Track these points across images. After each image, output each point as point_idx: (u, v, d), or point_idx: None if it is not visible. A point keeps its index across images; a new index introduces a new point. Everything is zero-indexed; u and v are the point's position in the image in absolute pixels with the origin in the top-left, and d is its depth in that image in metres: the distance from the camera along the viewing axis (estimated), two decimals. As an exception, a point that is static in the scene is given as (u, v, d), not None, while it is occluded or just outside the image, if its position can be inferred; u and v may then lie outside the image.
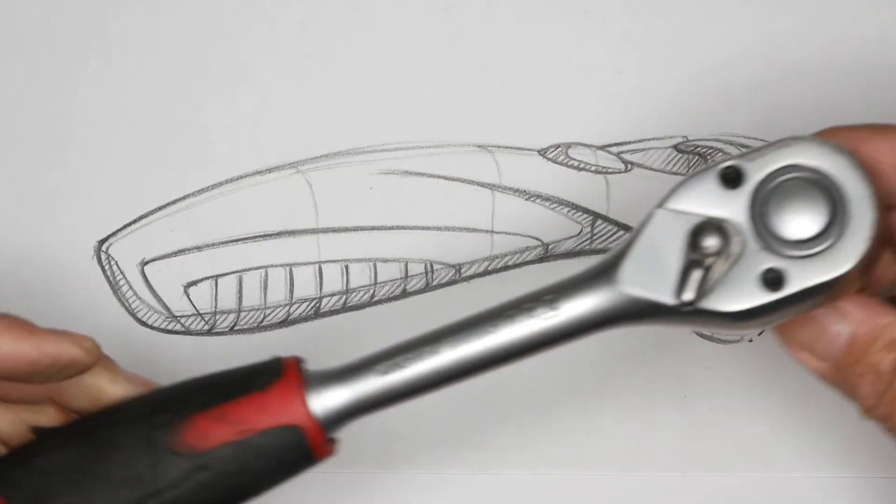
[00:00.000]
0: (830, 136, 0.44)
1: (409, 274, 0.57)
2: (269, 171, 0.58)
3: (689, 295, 0.42)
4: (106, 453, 0.43)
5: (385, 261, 0.57)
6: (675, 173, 0.58)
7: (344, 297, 0.57)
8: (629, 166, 0.58)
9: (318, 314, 0.57)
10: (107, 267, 0.57)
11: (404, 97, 0.58)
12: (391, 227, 0.57)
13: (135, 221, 0.57)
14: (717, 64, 0.58)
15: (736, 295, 0.42)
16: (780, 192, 0.42)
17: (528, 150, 0.58)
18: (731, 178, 0.43)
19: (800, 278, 0.41)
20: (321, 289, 0.57)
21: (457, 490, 0.58)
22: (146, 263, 0.57)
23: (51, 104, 0.58)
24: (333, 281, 0.57)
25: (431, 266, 0.57)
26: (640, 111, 0.58)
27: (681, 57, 0.58)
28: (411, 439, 0.58)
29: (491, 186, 0.57)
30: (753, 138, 0.58)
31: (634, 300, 0.43)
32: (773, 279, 0.42)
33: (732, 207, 0.42)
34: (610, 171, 0.58)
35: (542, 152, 0.58)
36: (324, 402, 0.43)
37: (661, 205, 0.43)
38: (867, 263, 0.42)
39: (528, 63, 0.58)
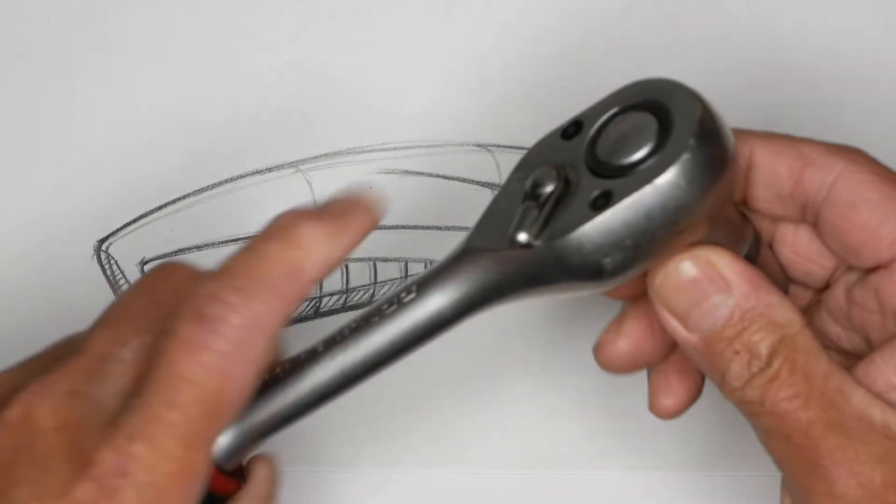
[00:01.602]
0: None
1: (409, 274, 0.57)
2: (269, 170, 0.58)
3: (522, 235, 0.41)
4: None
5: (385, 260, 0.57)
6: (675, 173, 0.58)
7: (344, 297, 0.57)
8: (629, 166, 0.58)
9: (317, 313, 0.57)
10: (107, 266, 0.57)
11: (404, 97, 0.58)
12: (391, 227, 0.57)
13: (135, 221, 0.58)
14: (717, 64, 0.58)
15: (568, 224, 0.40)
16: (612, 125, 0.42)
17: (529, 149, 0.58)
18: (573, 133, 0.43)
19: (624, 192, 0.40)
20: (321, 288, 0.57)
21: (457, 490, 0.58)
22: (146, 263, 0.57)
23: (51, 104, 0.58)
24: (333, 280, 0.57)
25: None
26: (639, 111, 0.58)
27: (680, 57, 0.58)
28: (411, 439, 0.58)
29: (491, 186, 0.57)
30: (753, 138, 0.58)
31: (480, 258, 0.42)
32: (601, 202, 0.40)
33: (570, 153, 0.42)
34: (610, 170, 0.58)
35: (542, 152, 0.58)
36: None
37: (513, 170, 0.44)
38: (707, 192, 0.40)
39: (527, 63, 0.58)
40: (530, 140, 0.58)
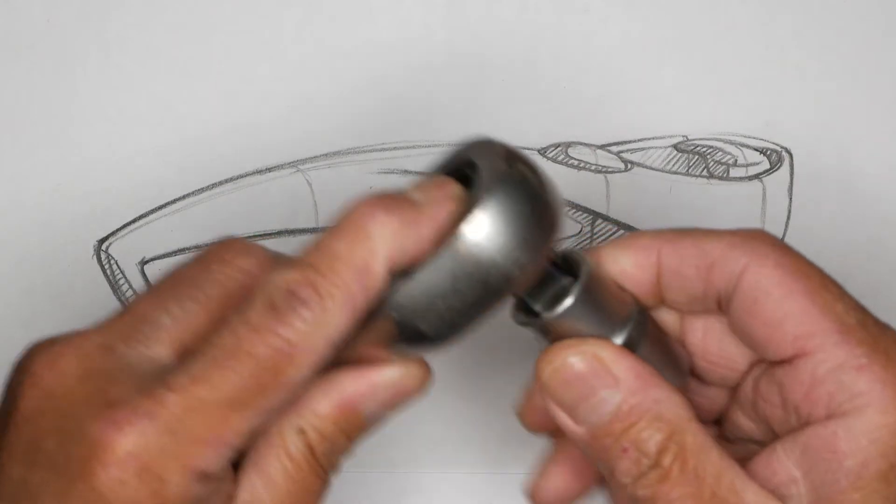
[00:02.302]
0: (632, 242, 0.43)
1: (409, 274, 0.57)
2: (269, 170, 0.58)
3: None
4: None
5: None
6: (675, 173, 0.58)
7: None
8: (629, 166, 0.58)
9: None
10: (106, 266, 0.57)
11: (404, 97, 0.58)
12: (391, 227, 0.57)
13: (135, 221, 0.58)
14: (717, 64, 0.58)
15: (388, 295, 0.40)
16: None
17: (528, 149, 0.58)
18: None
19: (429, 257, 0.39)
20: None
21: (457, 490, 0.58)
22: (146, 263, 0.57)
23: (51, 104, 0.58)
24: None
25: (431, 266, 0.57)
26: (640, 111, 0.58)
27: (681, 57, 0.58)
28: (411, 439, 0.58)
29: (491, 186, 0.57)
30: (753, 138, 0.58)
31: None
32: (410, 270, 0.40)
33: None
34: (610, 170, 0.58)
35: (542, 152, 0.58)
36: None
37: None
38: (512, 246, 0.38)
39: (527, 63, 0.58)
40: (530, 140, 0.58)
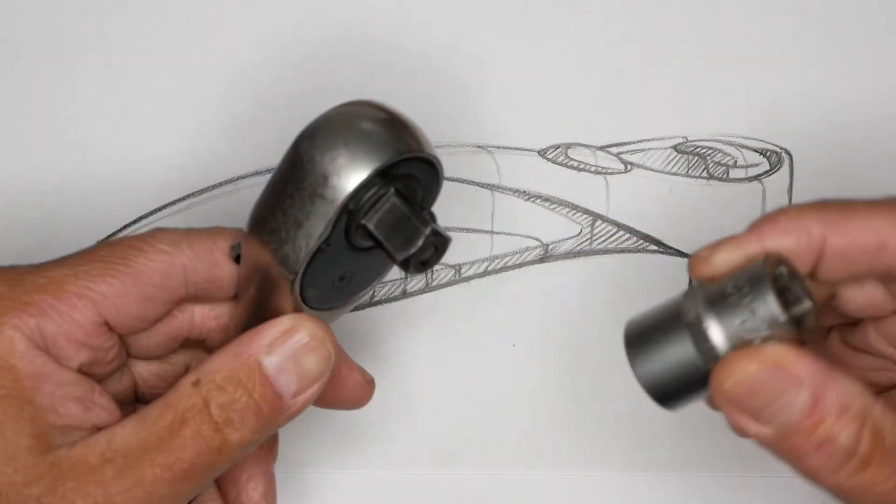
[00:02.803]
0: (794, 224, 0.43)
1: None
2: (269, 171, 0.58)
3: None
4: None
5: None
6: (675, 174, 0.58)
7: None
8: (629, 166, 0.58)
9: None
10: (107, 267, 0.57)
11: (404, 97, 0.58)
12: (391, 228, 0.57)
13: (135, 221, 0.58)
14: (717, 64, 0.58)
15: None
16: None
17: (528, 150, 0.58)
18: None
19: None
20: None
21: (457, 490, 0.58)
22: (146, 263, 0.57)
23: (51, 104, 0.58)
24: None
25: (431, 266, 0.57)
26: (640, 111, 0.58)
27: (681, 57, 0.58)
28: (411, 439, 0.58)
29: (491, 186, 0.57)
30: (753, 138, 0.58)
31: None
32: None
33: None
34: (610, 171, 0.58)
35: (542, 152, 0.58)
36: None
37: None
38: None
39: (528, 63, 0.58)
40: (530, 140, 0.58)
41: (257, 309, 0.45)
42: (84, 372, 0.44)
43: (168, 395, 0.43)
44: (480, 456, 0.58)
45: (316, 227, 0.42)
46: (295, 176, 0.42)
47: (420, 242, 0.43)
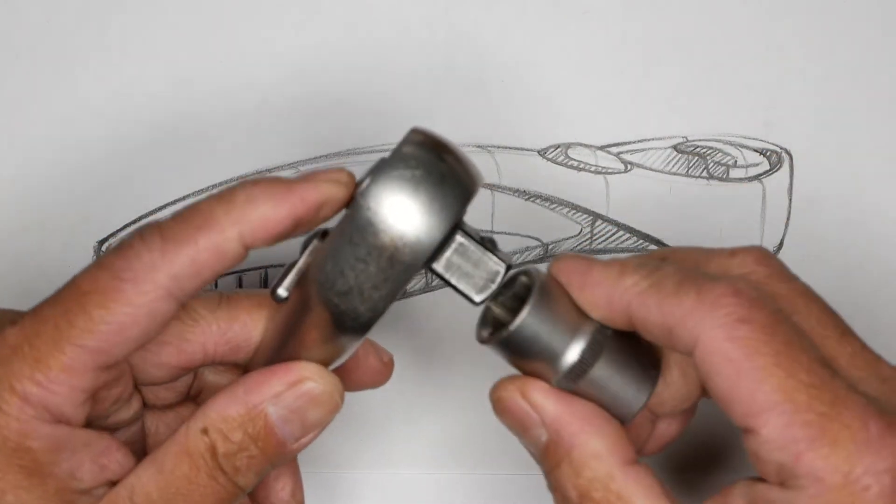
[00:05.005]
0: (602, 288, 0.43)
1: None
2: (269, 171, 0.58)
3: (280, 290, 0.43)
4: None
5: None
6: (675, 174, 0.58)
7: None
8: (629, 166, 0.58)
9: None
10: (107, 267, 0.57)
11: (404, 97, 0.58)
12: (391, 228, 0.57)
13: (135, 221, 0.58)
14: (717, 64, 0.58)
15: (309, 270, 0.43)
16: None
17: (528, 150, 0.58)
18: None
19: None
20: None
21: (456, 490, 0.58)
22: (146, 263, 0.57)
23: (51, 104, 0.58)
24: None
25: (431, 266, 0.57)
26: (640, 111, 0.58)
27: (681, 57, 0.58)
28: (411, 439, 0.58)
29: (491, 186, 0.57)
30: (753, 138, 0.58)
31: (277, 310, 0.45)
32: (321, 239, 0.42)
33: None
34: (609, 171, 0.58)
35: (542, 152, 0.58)
36: None
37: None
38: (401, 213, 0.40)
39: (528, 63, 0.58)
40: (530, 140, 0.58)
41: (282, 338, 0.44)
42: (92, 418, 0.44)
43: (179, 439, 0.43)
44: (480, 456, 0.58)
45: (394, 289, 0.40)
46: (365, 239, 0.40)
47: (500, 280, 0.42)
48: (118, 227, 0.58)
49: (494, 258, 0.42)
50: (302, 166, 0.57)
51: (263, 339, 0.46)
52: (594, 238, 0.58)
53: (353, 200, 0.40)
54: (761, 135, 0.58)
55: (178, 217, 0.42)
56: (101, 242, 0.57)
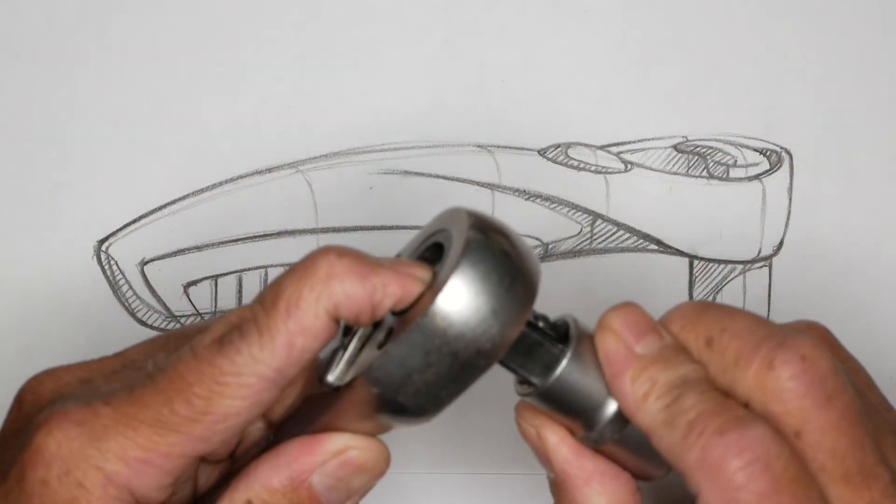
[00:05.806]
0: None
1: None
2: (269, 171, 0.58)
3: (329, 376, 0.40)
4: None
5: (385, 261, 0.57)
6: (675, 173, 0.58)
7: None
8: (629, 166, 0.58)
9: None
10: (107, 267, 0.57)
11: (404, 97, 0.58)
12: (391, 227, 0.57)
13: (135, 221, 0.57)
14: (717, 64, 0.58)
15: (362, 365, 0.40)
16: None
17: (528, 149, 0.58)
18: None
19: (402, 327, 0.39)
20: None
21: (457, 490, 0.58)
22: (146, 263, 0.57)
23: (51, 104, 0.58)
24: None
25: (431, 266, 0.57)
26: (640, 111, 0.58)
27: (681, 57, 0.58)
28: (411, 439, 0.58)
29: (491, 186, 0.57)
30: (753, 138, 0.58)
31: (316, 399, 0.42)
32: (385, 340, 0.39)
33: None
34: (610, 170, 0.58)
35: (542, 152, 0.58)
36: None
37: None
38: (483, 316, 0.38)
39: (528, 63, 0.58)
40: (530, 140, 0.58)
41: (326, 406, 0.42)
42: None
43: None
44: (480, 456, 0.58)
45: (462, 388, 0.40)
46: (439, 348, 0.38)
47: (561, 367, 0.41)
48: (118, 227, 0.57)
49: (558, 345, 0.41)
50: (301, 166, 0.57)
51: (303, 401, 0.44)
52: (594, 238, 0.58)
53: (424, 303, 0.38)
54: (761, 135, 0.58)
55: (265, 302, 0.40)
56: (101, 242, 0.57)
